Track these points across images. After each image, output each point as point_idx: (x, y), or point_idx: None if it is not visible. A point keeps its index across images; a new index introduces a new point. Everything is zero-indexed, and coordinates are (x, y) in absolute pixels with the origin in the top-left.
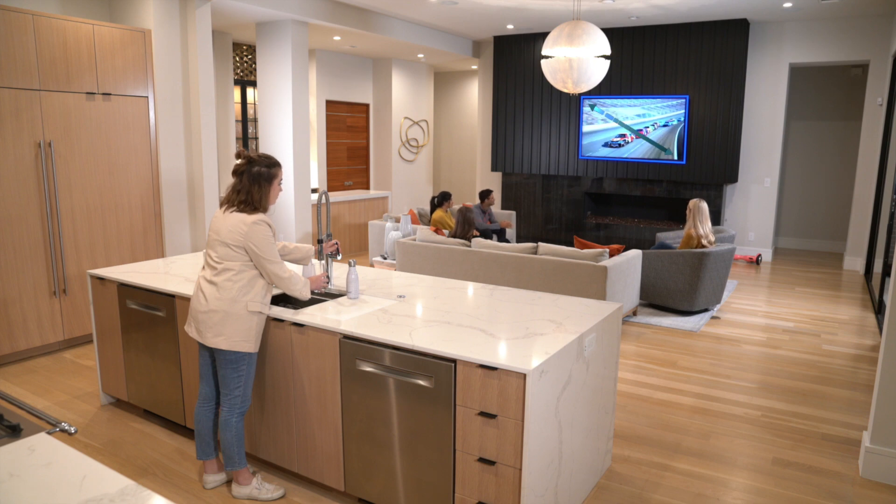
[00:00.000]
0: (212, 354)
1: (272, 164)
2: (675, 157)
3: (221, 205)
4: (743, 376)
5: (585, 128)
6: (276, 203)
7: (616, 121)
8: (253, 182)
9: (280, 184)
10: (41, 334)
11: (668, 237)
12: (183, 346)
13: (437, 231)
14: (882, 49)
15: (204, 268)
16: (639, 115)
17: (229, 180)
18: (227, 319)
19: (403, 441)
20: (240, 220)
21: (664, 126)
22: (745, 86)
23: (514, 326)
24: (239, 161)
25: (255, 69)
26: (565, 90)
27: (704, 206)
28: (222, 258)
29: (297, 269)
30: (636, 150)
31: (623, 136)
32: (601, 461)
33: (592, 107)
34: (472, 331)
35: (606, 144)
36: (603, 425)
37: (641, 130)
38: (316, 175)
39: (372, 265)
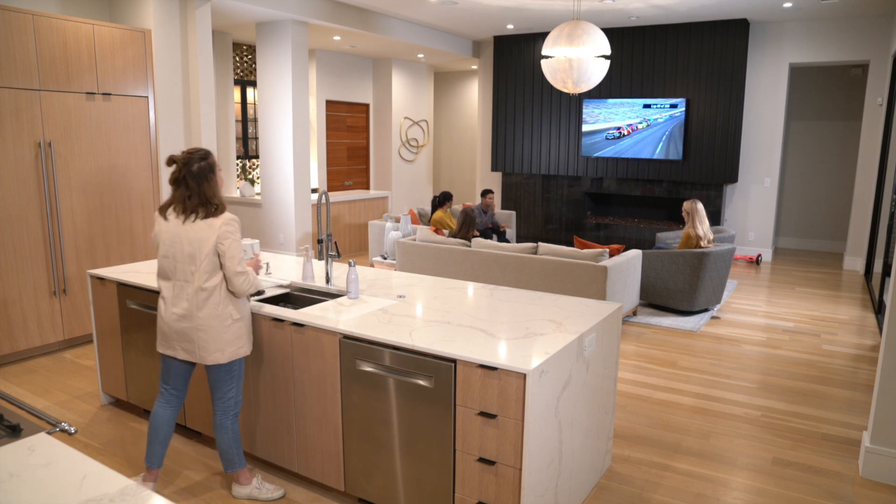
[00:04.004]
0: (190, 364)
1: (206, 154)
2: (674, 156)
3: (168, 213)
4: (743, 376)
5: (585, 127)
6: (277, 202)
7: (615, 119)
8: (200, 180)
9: (219, 170)
10: (41, 334)
11: (668, 237)
12: None
13: (437, 231)
14: (882, 49)
15: (171, 285)
16: (636, 115)
17: (230, 181)
18: (221, 334)
19: (403, 441)
20: (207, 225)
21: (660, 123)
22: (745, 86)
23: (514, 326)
24: (173, 167)
25: (255, 69)
26: (565, 90)
27: (700, 206)
28: (198, 272)
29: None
30: (635, 146)
31: (619, 128)
32: (601, 461)
33: (592, 107)
34: (472, 331)
35: (606, 138)
36: (603, 425)
37: (632, 126)
38: (316, 175)
39: (372, 265)
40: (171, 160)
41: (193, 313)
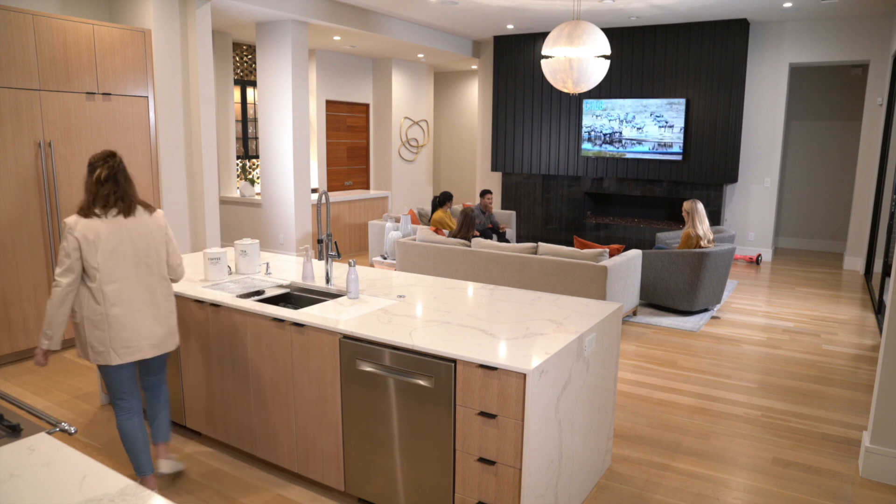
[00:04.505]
0: (136, 363)
1: (119, 157)
2: (674, 156)
3: (98, 213)
4: (743, 376)
5: (585, 127)
6: (277, 202)
7: (615, 119)
8: (125, 179)
9: None
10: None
11: (668, 237)
12: (183, 346)
13: (437, 231)
14: (882, 49)
15: (123, 286)
16: (637, 114)
17: (230, 181)
18: (175, 318)
19: (403, 441)
20: (151, 221)
21: (660, 124)
22: (745, 86)
23: (514, 326)
24: (102, 166)
25: (255, 69)
26: (565, 90)
27: (701, 206)
28: (160, 262)
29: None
30: (635, 146)
31: (619, 128)
32: (601, 461)
33: (592, 107)
34: (472, 331)
35: (606, 138)
36: (603, 425)
37: (632, 126)
38: (316, 175)
39: (372, 265)
40: (99, 159)
41: (161, 303)
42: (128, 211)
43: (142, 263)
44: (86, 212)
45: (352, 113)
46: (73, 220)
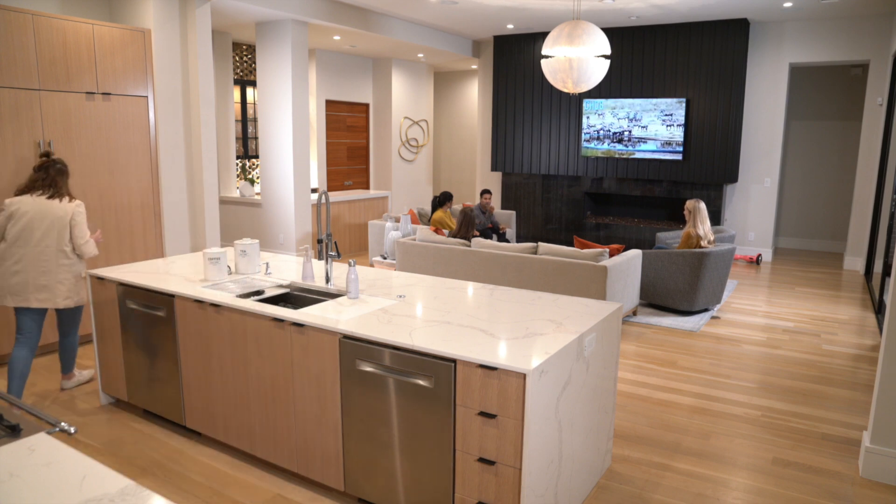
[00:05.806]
0: (42, 313)
1: (66, 164)
2: (674, 156)
3: (24, 193)
4: (743, 376)
5: (585, 127)
6: (277, 202)
7: (624, 118)
8: (59, 175)
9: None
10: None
11: (668, 237)
12: (183, 345)
13: (437, 231)
14: (882, 49)
15: (30, 249)
16: (645, 112)
17: (230, 181)
18: (74, 284)
19: (403, 441)
20: (62, 206)
21: (660, 123)
22: (745, 86)
23: (514, 326)
24: (43, 159)
25: (255, 69)
26: (565, 90)
27: (703, 206)
28: (57, 238)
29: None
30: (635, 145)
31: (619, 128)
32: (601, 461)
33: (592, 107)
34: (472, 331)
35: (606, 138)
36: (603, 425)
37: (633, 125)
38: (316, 175)
39: (372, 265)
40: (46, 153)
41: (53, 270)
42: (52, 196)
43: (48, 235)
44: (19, 192)
45: (352, 113)
46: (9, 200)
